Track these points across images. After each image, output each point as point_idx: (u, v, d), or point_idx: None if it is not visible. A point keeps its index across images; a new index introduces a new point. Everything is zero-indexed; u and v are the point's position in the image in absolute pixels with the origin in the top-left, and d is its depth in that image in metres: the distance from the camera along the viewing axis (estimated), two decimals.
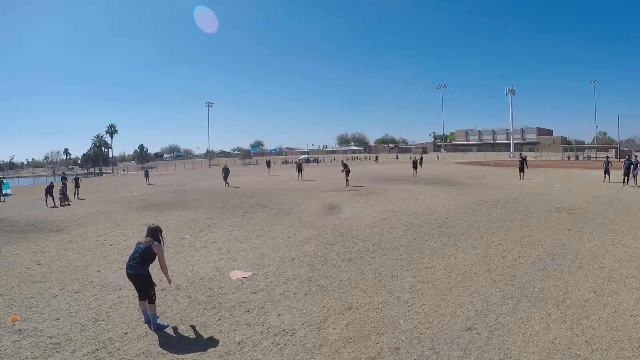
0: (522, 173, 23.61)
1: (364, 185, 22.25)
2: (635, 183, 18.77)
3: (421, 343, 4.38)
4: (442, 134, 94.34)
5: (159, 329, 4.88)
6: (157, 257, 5.02)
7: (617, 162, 30.90)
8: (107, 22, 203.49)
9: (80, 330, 4.91)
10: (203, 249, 8.96)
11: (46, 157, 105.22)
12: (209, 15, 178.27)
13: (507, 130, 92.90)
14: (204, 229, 11.26)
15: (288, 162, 75.90)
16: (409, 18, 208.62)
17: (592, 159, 58.53)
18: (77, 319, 5.27)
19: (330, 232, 10.23)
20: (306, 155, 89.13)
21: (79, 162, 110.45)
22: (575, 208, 12.83)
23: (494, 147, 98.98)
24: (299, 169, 29.31)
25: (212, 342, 4.57)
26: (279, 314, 5.27)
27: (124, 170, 79.12)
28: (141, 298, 5.02)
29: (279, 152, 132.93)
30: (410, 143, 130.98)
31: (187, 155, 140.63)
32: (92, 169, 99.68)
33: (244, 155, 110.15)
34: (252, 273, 7.06)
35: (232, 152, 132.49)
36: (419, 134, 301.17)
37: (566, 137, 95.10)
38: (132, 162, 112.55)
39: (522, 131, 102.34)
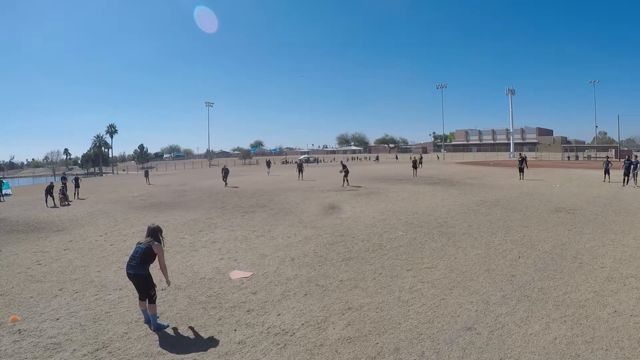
0: (522, 173, 23.62)
1: (364, 185, 22.25)
2: (635, 183, 18.78)
3: (421, 343, 4.38)
4: (442, 134, 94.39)
5: (159, 329, 4.89)
6: (157, 258, 5.02)
7: (617, 162, 30.89)
8: (107, 22, 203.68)
9: (80, 330, 4.91)
10: (203, 249, 8.96)
11: (46, 157, 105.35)
12: (209, 15, 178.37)
13: (507, 130, 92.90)
14: (204, 229, 11.26)
15: (288, 162, 75.92)
16: (409, 18, 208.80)
17: (592, 159, 58.53)
18: (77, 319, 5.27)
19: (330, 232, 10.23)
20: (306, 156, 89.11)
21: (79, 162, 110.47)
22: (575, 208, 12.83)
23: (494, 147, 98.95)
24: (300, 169, 29.30)
25: (212, 342, 4.57)
26: (279, 314, 5.27)
27: (124, 170, 79.14)
28: (141, 298, 5.02)
29: (279, 152, 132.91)
30: (410, 143, 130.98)
31: (187, 155, 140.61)
32: (92, 169, 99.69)
33: (244, 155, 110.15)
34: (252, 273, 7.06)
35: (232, 152, 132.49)
36: (419, 134, 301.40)
37: (566, 137, 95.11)
38: (132, 162, 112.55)
39: (522, 131, 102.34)
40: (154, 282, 5.06)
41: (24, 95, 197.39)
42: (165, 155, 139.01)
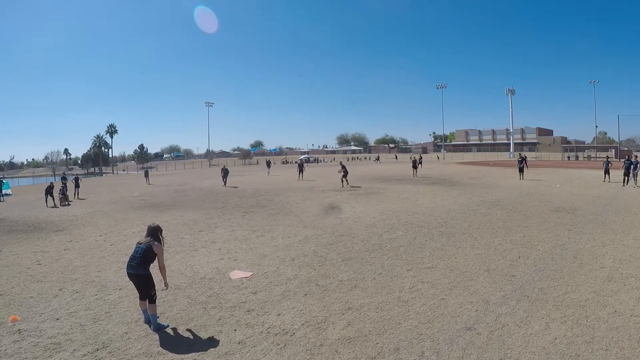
0: (522, 173, 23.62)
1: (363, 186, 22.25)
2: (635, 183, 18.78)
3: (421, 343, 4.38)
4: (442, 134, 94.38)
5: (159, 329, 4.89)
6: (156, 258, 5.02)
7: (617, 162, 30.90)
8: (107, 22, 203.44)
9: (80, 330, 4.91)
10: (203, 249, 8.96)
11: (46, 157, 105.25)
12: (209, 15, 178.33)
13: (507, 130, 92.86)
14: (204, 229, 11.26)
15: (288, 162, 75.92)
16: (409, 18, 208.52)
17: (592, 159, 58.54)
18: (77, 319, 5.28)
19: (330, 232, 10.23)
20: (306, 156, 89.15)
21: (79, 162, 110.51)
22: (575, 208, 12.83)
23: (494, 147, 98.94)
24: (300, 169, 29.29)
25: (212, 342, 4.57)
26: (279, 314, 5.27)
27: (124, 170, 79.16)
28: (142, 298, 5.02)
29: (279, 152, 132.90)
30: (410, 143, 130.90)
31: (187, 155, 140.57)
32: (92, 169, 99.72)
33: (244, 155, 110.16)
34: (252, 273, 7.06)
35: (232, 152, 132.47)
36: (419, 134, 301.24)
37: (566, 137, 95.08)
38: (132, 162, 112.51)
39: (522, 131, 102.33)
40: (154, 282, 5.06)
41: (24, 95, 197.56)
42: (165, 155, 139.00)
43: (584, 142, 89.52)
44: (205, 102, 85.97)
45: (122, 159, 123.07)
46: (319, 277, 6.76)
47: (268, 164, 43.26)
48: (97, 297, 6.06)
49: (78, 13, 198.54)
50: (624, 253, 7.59)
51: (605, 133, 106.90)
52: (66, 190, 19.62)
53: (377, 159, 77.22)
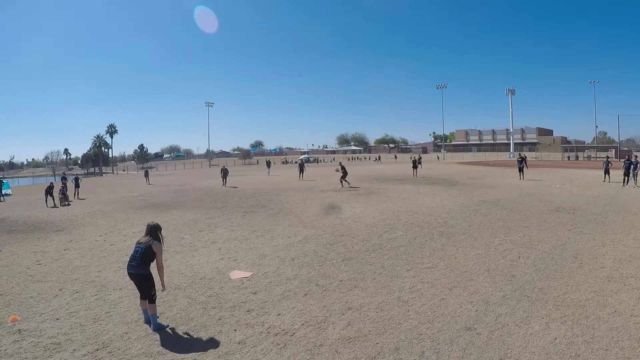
0: (521, 173, 23.63)
1: (363, 186, 22.25)
2: (635, 183, 18.77)
3: (421, 343, 4.38)
4: (442, 134, 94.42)
5: (159, 329, 4.89)
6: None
7: (617, 162, 30.90)
8: (107, 22, 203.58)
9: (80, 330, 4.91)
10: (203, 249, 8.96)
11: (46, 157, 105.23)
12: (209, 16, 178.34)
13: (507, 130, 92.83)
14: (204, 229, 11.26)
15: (288, 162, 75.91)
16: (409, 18, 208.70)
17: (592, 159, 58.53)
18: (77, 319, 5.27)
19: (330, 232, 10.23)
20: (306, 156, 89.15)
21: (79, 162, 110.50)
22: (575, 208, 12.83)
23: (494, 147, 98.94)
24: (301, 168, 29.28)
25: (212, 342, 4.57)
26: (279, 314, 5.27)
27: (124, 170, 79.15)
28: (142, 297, 5.03)
29: (279, 152, 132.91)
30: (410, 143, 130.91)
31: (187, 155, 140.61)
32: (92, 169, 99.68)
33: (244, 155, 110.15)
34: (252, 273, 7.06)
35: (232, 152, 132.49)
36: (419, 134, 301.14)
37: (566, 137, 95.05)
38: (132, 162, 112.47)
39: (522, 131, 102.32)
40: (155, 282, 5.06)
41: (24, 95, 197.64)
42: (165, 156, 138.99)
43: (584, 142, 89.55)
44: (205, 102, 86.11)
45: (122, 159, 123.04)
46: (319, 277, 6.76)
47: (268, 164, 43.26)
48: (97, 297, 6.06)
49: (78, 13, 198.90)
50: (624, 253, 7.59)
51: (605, 133, 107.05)
52: (66, 190, 19.62)
53: (378, 159, 77.20)
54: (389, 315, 5.13)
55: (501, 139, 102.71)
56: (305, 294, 5.97)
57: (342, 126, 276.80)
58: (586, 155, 62.90)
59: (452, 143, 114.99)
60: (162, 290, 5.18)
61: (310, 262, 7.67)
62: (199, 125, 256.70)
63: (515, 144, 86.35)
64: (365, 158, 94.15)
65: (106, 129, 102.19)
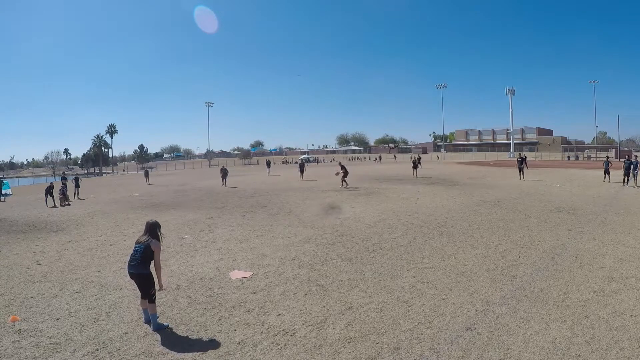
0: (521, 173, 23.63)
1: (363, 186, 22.25)
2: (635, 183, 18.77)
3: (421, 343, 4.38)
4: (442, 134, 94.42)
5: (159, 329, 4.88)
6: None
7: (617, 162, 30.89)
8: (107, 22, 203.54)
9: (80, 330, 4.91)
10: (203, 249, 8.96)
11: (46, 157, 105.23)
12: (209, 15, 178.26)
13: (507, 130, 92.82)
14: (204, 229, 11.26)
15: (288, 162, 75.91)
16: (409, 18, 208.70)
17: (592, 159, 58.52)
18: (77, 319, 5.27)
19: (330, 232, 10.23)
20: (307, 156, 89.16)
21: (79, 162, 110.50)
22: (575, 208, 12.83)
23: (494, 147, 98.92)
24: (301, 168, 29.27)
25: (212, 342, 4.57)
26: (279, 314, 5.27)
27: (124, 170, 79.15)
28: (143, 297, 5.03)
29: (279, 152, 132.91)
30: (410, 143, 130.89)
31: (187, 155, 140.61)
32: (92, 169, 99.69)
33: (244, 155, 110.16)
34: (252, 273, 7.06)
35: (232, 152, 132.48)
36: (419, 134, 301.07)
37: (566, 137, 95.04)
38: (132, 162, 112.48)
39: (522, 131, 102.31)
40: (155, 282, 5.06)
41: (24, 95, 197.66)
42: (165, 156, 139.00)
43: (584, 142, 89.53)
44: (205, 102, 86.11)
45: (122, 159, 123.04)
46: (319, 277, 6.76)
47: (268, 164, 43.28)
48: (97, 297, 6.06)
49: (78, 13, 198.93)
50: (624, 253, 7.59)
51: (605, 133, 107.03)
52: (66, 190, 19.62)
53: (379, 158, 77.22)
54: (389, 315, 5.13)
55: (501, 139, 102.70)
56: (305, 294, 5.97)
57: (342, 126, 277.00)
58: (586, 155, 62.89)
59: (452, 143, 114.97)
60: (160, 290, 5.08)
61: (310, 262, 7.67)
62: (199, 125, 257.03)
63: (515, 144, 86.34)
64: (365, 158, 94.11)
65: (106, 129, 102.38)
